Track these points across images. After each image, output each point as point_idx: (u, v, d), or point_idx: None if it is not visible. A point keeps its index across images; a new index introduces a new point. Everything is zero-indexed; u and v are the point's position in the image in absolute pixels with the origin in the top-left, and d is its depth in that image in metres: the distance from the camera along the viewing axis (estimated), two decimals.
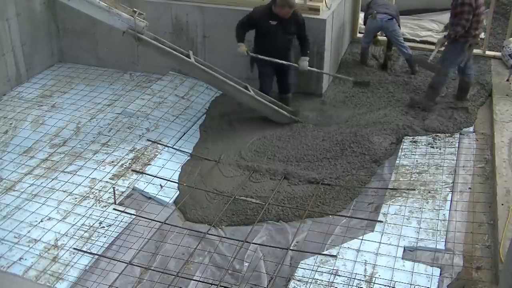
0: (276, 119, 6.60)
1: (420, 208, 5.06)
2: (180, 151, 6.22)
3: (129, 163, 5.93)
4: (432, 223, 4.85)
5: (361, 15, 8.36)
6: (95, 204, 5.32)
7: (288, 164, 5.92)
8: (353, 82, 7.10)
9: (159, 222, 5.14)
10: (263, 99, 6.58)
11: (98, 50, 8.01)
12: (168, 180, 5.72)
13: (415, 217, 4.95)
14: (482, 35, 7.70)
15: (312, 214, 5.24)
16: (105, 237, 4.93)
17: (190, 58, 6.38)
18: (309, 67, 6.62)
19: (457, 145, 5.94)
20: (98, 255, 4.72)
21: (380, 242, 4.71)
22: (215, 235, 5.04)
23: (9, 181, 5.65)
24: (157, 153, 6.11)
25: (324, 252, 4.69)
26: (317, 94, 7.18)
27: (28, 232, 4.95)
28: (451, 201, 5.11)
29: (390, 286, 4.26)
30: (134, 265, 4.66)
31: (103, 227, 5.05)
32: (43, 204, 5.30)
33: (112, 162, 5.95)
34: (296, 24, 6.45)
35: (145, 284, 4.50)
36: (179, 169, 5.94)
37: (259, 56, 6.48)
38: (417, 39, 8.53)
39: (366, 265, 4.48)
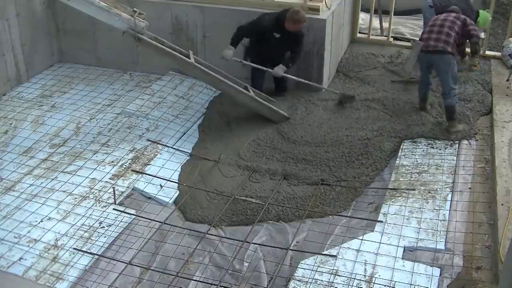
0: (274, 119, 6.60)
1: (420, 208, 5.06)
2: (180, 151, 6.22)
3: (129, 163, 5.92)
4: (432, 223, 4.85)
5: (361, 15, 8.38)
6: (95, 204, 5.32)
7: (287, 164, 5.90)
8: (339, 95, 6.92)
9: (159, 222, 5.14)
10: (262, 99, 6.59)
11: (98, 50, 8.01)
12: (168, 180, 5.72)
13: (415, 217, 4.95)
14: (482, 35, 7.69)
15: (312, 214, 5.24)
16: (105, 237, 4.92)
17: (190, 58, 6.38)
18: (284, 74, 6.62)
19: (457, 145, 5.94)
20: (98, 255, 4.72)
21: (380, 242, 4.71)
22: (215, 235, 5.04)
23: (9, 181, 5.64)
24: (156, 153, 6.11)
25: (324, 252, 4.69)
26: (317, 91, 7.15)
27: (28, 232, 4.95)
28: (451, 201, 5.11)
29: (390, 286, 4.26)
30: (134, 265, 4.65)
31: (103, 227, 5.05)
32: (43, 204, 5.30)
33: (112, 162, 5.95)
34: (295, 39, 6.53)
35: (145, 284, 4.49)
36: (179, 169, 5.94)
37: (246, 62, 6.57)
38: (417, 39, 8.49)
39: (366, 265, 4.48)
